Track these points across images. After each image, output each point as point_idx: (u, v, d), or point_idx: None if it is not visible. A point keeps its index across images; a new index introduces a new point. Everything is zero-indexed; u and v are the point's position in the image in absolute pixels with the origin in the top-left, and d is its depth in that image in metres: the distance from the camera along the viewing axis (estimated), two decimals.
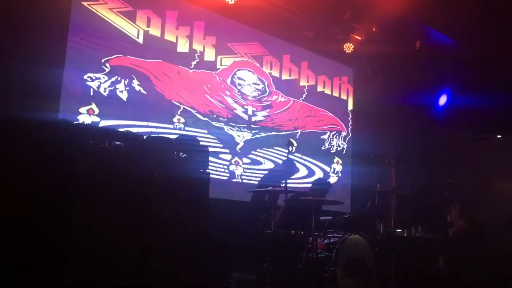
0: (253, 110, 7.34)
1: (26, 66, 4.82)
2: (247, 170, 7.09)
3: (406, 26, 7.75)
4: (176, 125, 6.43)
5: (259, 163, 7.26)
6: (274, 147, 7.42)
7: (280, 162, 7.29)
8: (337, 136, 8.51)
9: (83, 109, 5.65)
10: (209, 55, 6.98)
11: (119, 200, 3.57)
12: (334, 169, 8.36)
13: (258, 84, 7.51)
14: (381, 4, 7.26)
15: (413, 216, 6.73)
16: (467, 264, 6.14)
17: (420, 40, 8.05)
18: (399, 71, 8.48)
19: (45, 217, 3.26)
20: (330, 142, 8.37)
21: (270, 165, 7.33)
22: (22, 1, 5.14)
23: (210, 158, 5.46)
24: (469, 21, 7.04)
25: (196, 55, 6.81)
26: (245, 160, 7.10)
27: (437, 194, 7.14)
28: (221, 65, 7.09)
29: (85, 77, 5.71)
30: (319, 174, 7.91)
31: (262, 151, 7.32)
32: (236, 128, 7.08)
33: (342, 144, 8.56)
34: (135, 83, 6.11)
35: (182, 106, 6.54)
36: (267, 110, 7.53)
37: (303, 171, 7.67)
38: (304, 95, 8.11)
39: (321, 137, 8.28)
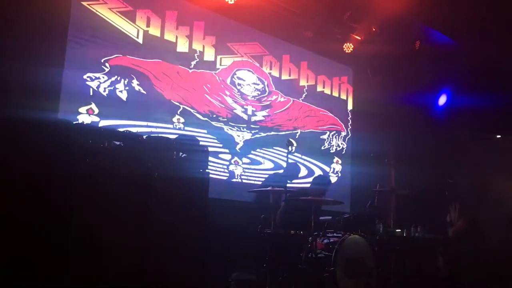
0: (252, 110, 7.34)
1: (25, 66, 4.81)
2: (246, 170, 7.09)
3: (405, 26, 7.75)
4: (175, 125, 6.43)
5: (259, 163, 7.26)
6: (274, 147, 7.42)
7: (280, 162, 7.29)
8: (337, 136, 8.51)
9: (82, 109, 5.64)
10: (209, 55, 6.98)
11: (118, 200, 3.58)
12: (334, 169, 8.36)
13: (258, 84, 7.50)
14: (380, 4, 7.26)
15: (413, 216, 6.72)
16: (467, 264, 6.13)
17: (420, 40, 8.05)
18: (399, 71, 8.48)
19: (45, 217, 3.26)
20: (329, 142, 8.37)
21: (270, 165, 7.33)
22: (21, 1, 5.13)
23: (210, 158, 5.45)
24: (469, 21, 7.04)
25: (195, 55, 6.81)
26: (245, 160, 7.10)
27: (437, 194, 7.14)
28: (220, 65, 7.09)
29: (84, 77, 5.71)
30: (318, 173, 7.90)
31: (261, 151, 7.32)
32: (236, 128, 7.08)
33: (341, 144, 8.56)
34: (135, 83, 6.11)
35: (181, 106, 6.53)
36: (267, 110, 7.53)
37: (303, 171, 7.66)
38: (303, 95, 8.11)
39: (321, 137, 8.28)
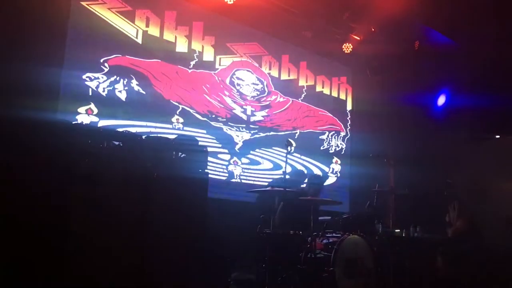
0: (252, 110, 7.34)
1: (25, 66, 4.81)
2: (245, 170, 7.09)
3: (405, 26, 7.75)
4: (175, 125, 6.43)
5: (258, 163, 7.26)
6: (273, 147, 7.42)
7: (279, 162, 7.29)
8: (336, 136, 8.51)
9: (82, 109, 5.64)
10: (208, 55, 6.98)
11: (118, 200, 3.58)
12: (333, 169, 8.37)
13: (257, 84, 7.50)
14: (380, 4, 7.26)
15: (412, 216, 6.72)
16: (466, 264, 6.14)
17: (419, 40, 8.05)
18: (398, 71, 8.48)
19: (44, 217, 3.26)
20: (329, 142, 8.37)
21: (269, 165, 7.33)
22: (21, 1, 5.13)
23: (209, 158, 5.46)
24: (468, 21, 7.04)
25: (195, 55, 6.81)
26: (244, 160, 7.11)
27: (436, 194, 7.13)
28: (220, 65, 7.09)
29: (84, 77, 5.71)
30: (318, 173, 7.90)
31: (260, 151, 7.32)
32: (235, 128, 7.08)
33: (340, 144, 8.56)
34: (134, 83, 6.11)
35: (181, 106, 6.53)
36: (266, 110, 7.53)
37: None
38: (303, 95, 8.11)
39: (320, 137, 8.28)
